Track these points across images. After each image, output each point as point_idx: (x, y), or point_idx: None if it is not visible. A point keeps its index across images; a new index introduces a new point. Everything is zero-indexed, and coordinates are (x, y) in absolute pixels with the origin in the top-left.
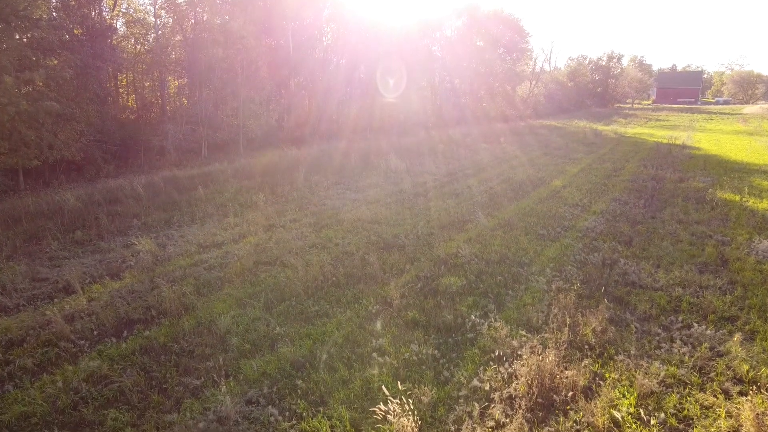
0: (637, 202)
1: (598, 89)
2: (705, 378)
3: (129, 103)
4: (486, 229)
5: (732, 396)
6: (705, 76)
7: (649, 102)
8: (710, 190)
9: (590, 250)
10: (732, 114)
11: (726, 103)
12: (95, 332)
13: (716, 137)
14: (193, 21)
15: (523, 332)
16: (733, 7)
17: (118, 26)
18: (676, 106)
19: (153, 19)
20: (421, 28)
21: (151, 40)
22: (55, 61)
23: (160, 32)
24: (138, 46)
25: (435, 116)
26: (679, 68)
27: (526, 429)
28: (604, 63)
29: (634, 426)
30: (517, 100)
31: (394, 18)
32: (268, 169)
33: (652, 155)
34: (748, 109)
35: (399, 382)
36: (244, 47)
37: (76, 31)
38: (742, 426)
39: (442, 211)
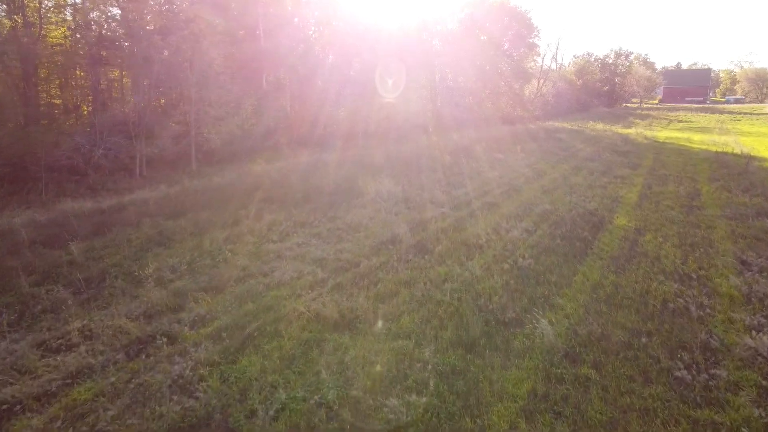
0: None
1: (605, 88)
2: None
3: (53, 105)
4: (557, 358)
5: None
6: (712, 74)
7: (656, 101)
8: None
9: None
10: (755, 114)
11: (738, 101)
12: None
13: None
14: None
15: None
16: (737, 4)
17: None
18: (689, 105)
19: None
20: (421, 20)
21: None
22: None
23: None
24: (70, 39)
25: (436, 118)
26: (684, 66)
27: None
28: (611, 61)
29: None
30: (525, 100)
31: (391, 11)
32: (214, 196)
33: (715, 169)
34: None
35: None
36: (193, 33)
37: None
38: None
39: (462, 293)
